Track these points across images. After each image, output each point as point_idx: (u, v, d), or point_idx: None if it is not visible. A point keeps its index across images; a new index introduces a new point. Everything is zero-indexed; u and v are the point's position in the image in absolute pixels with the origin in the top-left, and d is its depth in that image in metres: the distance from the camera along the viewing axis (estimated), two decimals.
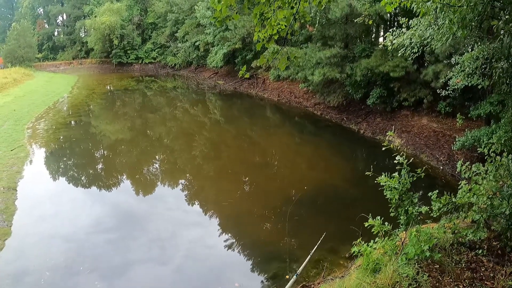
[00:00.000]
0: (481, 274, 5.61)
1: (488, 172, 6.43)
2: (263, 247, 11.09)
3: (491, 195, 6.06)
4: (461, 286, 5.32)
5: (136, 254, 10.76)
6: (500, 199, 6.05)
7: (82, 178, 17.13)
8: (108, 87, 47.15)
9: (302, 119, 27.24)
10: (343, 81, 23.50)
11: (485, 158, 6.76)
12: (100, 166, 19.23)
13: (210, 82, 45.19)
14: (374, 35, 28.89)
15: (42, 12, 76.41)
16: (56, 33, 75.36)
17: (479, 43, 11.25)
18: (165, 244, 11.38)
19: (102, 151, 21.80)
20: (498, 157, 6.49)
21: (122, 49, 61.66)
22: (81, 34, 71.24)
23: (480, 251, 6.06)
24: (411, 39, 11.24)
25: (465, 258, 5.96)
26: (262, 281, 9.62)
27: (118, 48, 60.76)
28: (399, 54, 13.06)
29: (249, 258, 10.79)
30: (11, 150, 18.79)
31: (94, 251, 10.80)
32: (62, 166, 18.66)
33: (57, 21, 76.28)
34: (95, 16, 60.10)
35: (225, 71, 45.02)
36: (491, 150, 6.66)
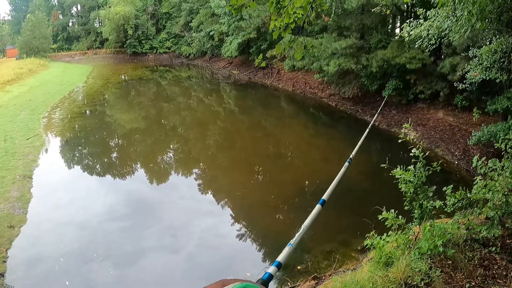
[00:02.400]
0: (494, 272, 5.53)
1: (504, 168, 6.30)
2: (275, 237, 11.10)
3: (506, 192, 5.94)
4: (473, 283, 5.25)
5: (149, 242, 10.88)
6: None
7: (97, 167, 17.33)
8: (123, 77, 47.43)
9: (316, 110, 27.08)
10: (358, 72, 23.26)
11: (502, 154, 6.64)
12: (114, 155, 19.42)
13: (225, 72, 45.14)
14: (390, 26, 28.47)
15: (56, 3, 77.04)
16: (70, 24, 75.88)
17: (498, 36, 11.04)
18: (178, 233, 11.48)
19: (116, 140, 22.01)
20: None
21: (137, 39, 61.84)
22: (95, 25, 71.64)
23: (494, 248, 5.97)
24: (428, 30, 11.08)
25: (478, 255, 5.88)
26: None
27: (132, 38, 60.96)
28: (416, 46, 12.90)
29: (261, 248, 10.84)
30: (27, 139, 19.05)
31: (108, 239, 10.94)
32: (77, 155, 18.88)
33: (72, 11, 76.77)
34: (109, 7, 60.20)
35: (240, 61, 44.92)
36: (508, 145, 6.54)
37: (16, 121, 22.40)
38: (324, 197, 6.84)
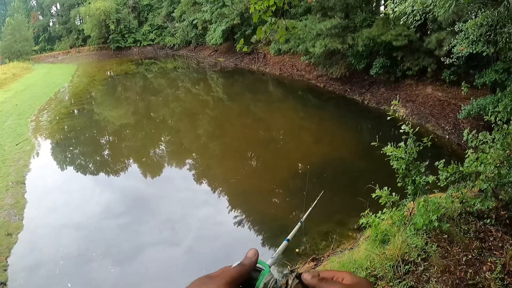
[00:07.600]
0: (490, 243, 5.59)
1: (495, 140, 6.31)
2: (272, 222, 11.19)
3: (498, 164, 5.95)
4: (469, 256, 5.31)
5: (147, 237, 10.90)
6: (508, 168, 5.96)
7: (90, 166, 17.23)
8: (108, 73, 46.85)
9: (305, 92, 27.05)
10: (345, 52, 23.18)
11: (492, 126, 6.65)
12: (106, 152, 19.31)
13: (211, 60, 44.81)
14: (374, 3, 28.26)
15: (35, 4, 75.14)
16: (51, 24, 74.11)
17: (483, 10, 11.02)
18: (176, 225, 11.53)
19: (107, 137, 21.85)
20: (505, 126, 6.37)
21: (119, 34, 60.84)
22: (76, 22, 70.13)
23: (488, 220, 6.02)
24: (413, 6, 11.01)
25: (474, 228, 5.94)
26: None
27: (115, 33, 59.93)
28: (401, 23, 12.82)
29: (258, 233, 10.92)
30: (17, 145, 18.82)
31: (106, 237, 10.96)
32: (68, 155, 18.73)
33: (51, 11, 75.03)
34: (89, 3, 59.04)
35: (225, 48, 44.57)
36: (498, 118, 6.54)
37: (3, 128, 22.08)
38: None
